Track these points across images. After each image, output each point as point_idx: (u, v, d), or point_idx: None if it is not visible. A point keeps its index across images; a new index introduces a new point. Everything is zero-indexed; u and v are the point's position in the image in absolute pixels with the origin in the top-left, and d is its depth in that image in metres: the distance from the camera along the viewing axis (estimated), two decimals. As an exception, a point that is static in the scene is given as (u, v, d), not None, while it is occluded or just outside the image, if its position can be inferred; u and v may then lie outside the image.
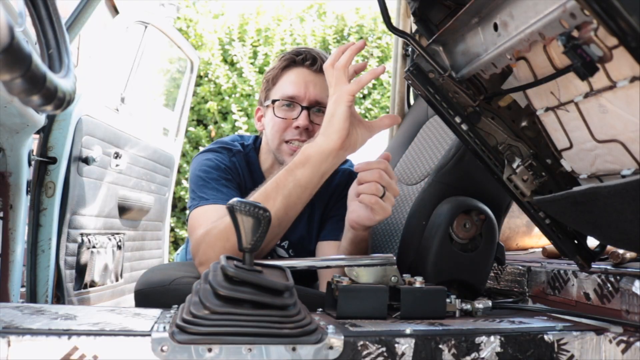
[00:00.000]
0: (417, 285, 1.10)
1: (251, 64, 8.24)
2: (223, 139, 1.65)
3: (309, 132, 1.52)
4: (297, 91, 1.52)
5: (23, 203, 1.69)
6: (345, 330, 0.90)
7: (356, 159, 1.86)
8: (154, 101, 3.13)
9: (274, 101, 1.54)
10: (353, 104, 1.20)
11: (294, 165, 1.23)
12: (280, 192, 1.21)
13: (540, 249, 2.00)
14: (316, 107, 1.54)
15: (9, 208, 1.65)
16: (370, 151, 1.34)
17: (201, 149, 1.68)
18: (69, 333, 0.78)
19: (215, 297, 0.83)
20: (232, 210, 0.86)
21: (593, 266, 1.24)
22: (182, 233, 6.26)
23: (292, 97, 1.52)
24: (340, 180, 1.64)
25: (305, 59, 1.55)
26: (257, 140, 1.68)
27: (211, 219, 1.34)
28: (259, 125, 1.66)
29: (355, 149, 1.26)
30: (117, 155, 2.47)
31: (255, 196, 1.23)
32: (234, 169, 1.56)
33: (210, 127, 8.24)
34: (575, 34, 0.80)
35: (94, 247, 2.33)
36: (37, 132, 1.91)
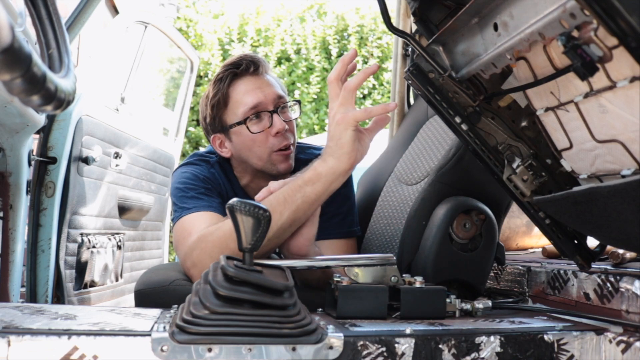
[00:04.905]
0: (417, 285, 1.10)
1: (251, 64, 8.24)
2: (198, 152, 1.64)
3: (287, 130, 1.50)
4: (257, 98, 1.48)
5: (23, 203, 1.68)
6: (345, 330, 0.90)
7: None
8: (154, 101, 3.13)
9: (243, 121, 1.48)
10: (358, 125, 1.20)
11: (304, 182, 1.22)
12: (288, 206, 1.21)
13: (540, 249, 2.00)
14: (280, 106, 1.51)
15: (9, 208, 1.65)
16: (371, 152, 1.33)
17: (201, 149, 1.67)
18: (69, 333, 0.78)
19: (215, 297, 0.83)
20: (232, 210, 0.86)
21: (593, 266, 1.24)
22: (182, 233, 6.25)
23: (256, 106, 1.48)
24: None
25: (248, 67, 1.50)
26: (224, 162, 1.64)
27: (198, 227, 1.32)
28: (224, 152, 1.58)
29: (362, 158, 1.27)
30: (117, 155, 2.47)
31: None
32: (214, 179, 1.54)
33: (210, 127, 8.24)
34: (575, 34, 0.80)
35: (94, 247, 2.33)
36: (37, 132, 1.91)
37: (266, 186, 1.56)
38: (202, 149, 1.65)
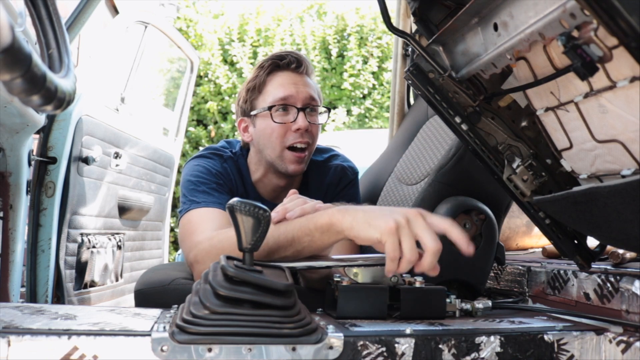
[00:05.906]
0: (417, 285, 1.10)
1: (251, 64, 8.25)
2: (213, 145, 1.64)
3: (308, 132, 1.51)
4: (289, 92, 1.51)
5: (23, 203, 1.68)
6: (345, 330, 0.90)
7: (356, 160, 1.86)
8: (154, 101, 3.14)
9: (270, 107, 1.51)
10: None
11: (315, 227, 1.11)
12: (294, 246, 1.15)
13: (540, 249, 2.00)
14: (309, 107, 1.53)
15: (9, 208, 1.65)
16: (371, 152, 1.33)
17: (201, 149, 1.68)
18: (69, 333, 0.78)
19: (215, 297, 0.82)
20: (232, 210, 0.86)
21: (593, 266, 1.24)
22: (182, 233, 6.24)
23: (285, 99, 1.51)
24: (332, 178, 1.63)
25: (290, 63, 1.54)
26: (244, 147, 1.66)
27: (205, 226, 1.32)
28: (246, 136, 1.61)
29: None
30: (117, 155, 2.47)
31: (268, 242, 1.13)
32: (226, 175, 1.54)
33: (210, 127, 8.24)
34: (575, 34, 0.80)
35: (94, 247, 2.33)
36: (37, 132, 1.91)
37: (277, 183, 1.57)
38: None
